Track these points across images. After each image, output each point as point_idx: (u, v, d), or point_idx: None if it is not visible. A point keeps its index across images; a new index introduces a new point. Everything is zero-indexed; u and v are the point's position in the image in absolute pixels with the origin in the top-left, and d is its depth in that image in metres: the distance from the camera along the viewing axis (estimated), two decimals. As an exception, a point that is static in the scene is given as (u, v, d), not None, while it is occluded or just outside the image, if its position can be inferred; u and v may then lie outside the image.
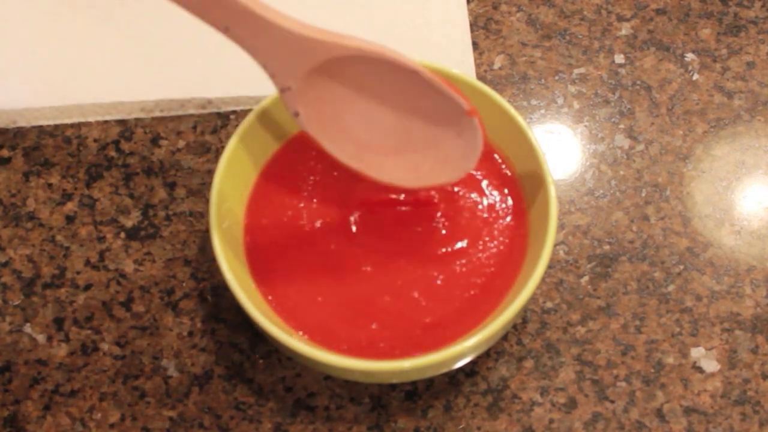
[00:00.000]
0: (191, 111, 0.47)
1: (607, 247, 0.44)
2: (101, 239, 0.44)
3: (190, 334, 0.42)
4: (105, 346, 0.41)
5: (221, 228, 0.38)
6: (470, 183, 0.41)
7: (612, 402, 0.40)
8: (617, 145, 0.46)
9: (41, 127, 0.46)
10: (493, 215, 0.40)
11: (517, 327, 0.42)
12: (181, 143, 0.46)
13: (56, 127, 0.46)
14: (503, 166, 0.41)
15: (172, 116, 0.47)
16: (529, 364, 0.41)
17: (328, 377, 0.41)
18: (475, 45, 0.49)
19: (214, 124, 0.46)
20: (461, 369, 0.41)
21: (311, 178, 0.41)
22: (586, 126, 0.47)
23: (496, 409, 0.40)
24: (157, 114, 0.47)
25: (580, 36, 0.49)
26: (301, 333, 0.38)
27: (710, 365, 0.41)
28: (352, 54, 0.35)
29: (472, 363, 0.41)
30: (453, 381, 0.41)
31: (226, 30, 0.34)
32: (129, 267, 0.43)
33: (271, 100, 0.40)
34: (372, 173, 0.39)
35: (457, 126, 0.37)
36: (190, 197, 0.45)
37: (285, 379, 0.41)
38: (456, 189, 0.41)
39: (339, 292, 0.39)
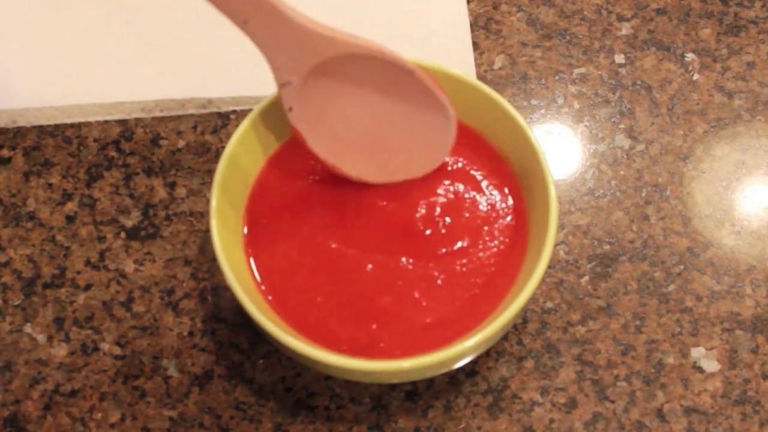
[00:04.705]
0: (191, 111, 0.47)
1: (607, 247, 0.44)
2: (101, 239, 0.44)
3: (190, 334, 0.42)
4: (105, 346, 0.41)
5: (221, 228, 0.38)
6: (470, 183, 0.41)
7: (612, 402, 0.40)
8: (617, 145, 0.46)
9: (41, 127, 0.46)
10: (494, 215, 0.40)
11: (518, 327, 0.42)
12: (181, 143, 0.46)
13: (56, 127, 0.46)
14: (503, 166, 0.41)
15: (172, 116, 0.47)
16: (529, 364, 0.41)
17: (328, 377, 0.41)
18: (475, 45, 0.49)
19: (214, 124, 0.46)
20: (461, 369, 0.41)
21: (311, 177, 0.41)
22: (586, 126, 0.47)
23: (496, 409, 0.40)
24: (157, 114, 0.47)
25: (580, 36, 0.49)
26: (301, 333, 0.38)
27: (710, 365, 0.41)
28: (357, 52, 0.37)
29: (473, 363, 0.41)
30: (453, 381, 0.41)
31: (244, 23, 0.36)
32: (129, 267, 0.43)
33: (271, 100, 0.40)
34: (343, 168, 0.40)
35: (434, 127, 0.40)
36: (190, 197, 0.45)
37: (285, 379, 0.41)
38: (457, 189, 0.41)
39: (339, 292, 0.39)
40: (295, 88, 0.37)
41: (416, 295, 0.39)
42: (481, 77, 0.48)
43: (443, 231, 0.40)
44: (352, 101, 0.39)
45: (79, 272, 0.43)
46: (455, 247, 0.40)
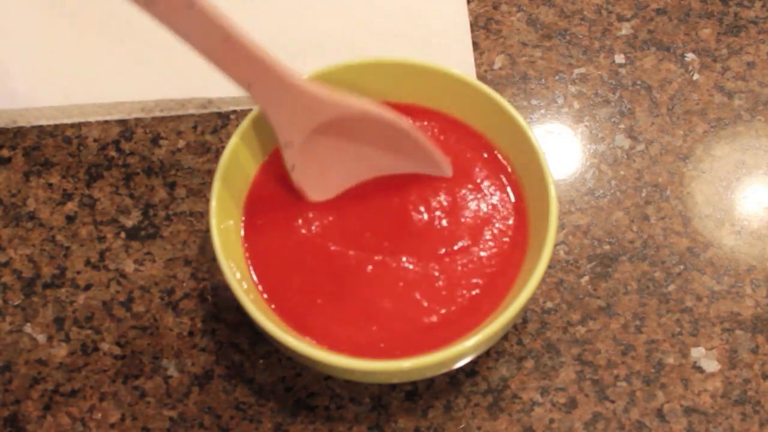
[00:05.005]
0: (191, 111, 0.47)
1: (607, 247, 0.44)
2: (101, 239, 0.44)
3: (190, 334, 0.42)
4: (105, 346, 0.41)
5: (221, 228, 0.38)
6: (471, 183, 0.41)
7: (612, 402, 0.40)
8: (617, 145, 0.46)
9: (41, 127, 0.46)
10: (494, 215, 0.40)
11: (518, 327, 0.42)
12: (181, 143, 0.46)
13: (56, 127, 0.46)
14: (503, 166, 0.41)
15: (172, 116, 0.47)
16: (529, 364, 0.41)
17: (328, 377, 0.41)
18: (475, 45, 0.49)
19: (214, 124, 0.46)
20: (461, 369, 0.41)
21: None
22: (586, 126, 0.47)
23: (496, 409, 0.40)
24: (157, 114, 0.47)
25: (580, 36, 0.49)
26: (301, 333, 0.38)
27: (710, 365, 0.41)
28: (356, 114, 0.38)
29: (473, 363, 0.41)
30: (453, 381, 0.41)
31: (248, 86, 0.37)
32: (129, 267, 0.43)
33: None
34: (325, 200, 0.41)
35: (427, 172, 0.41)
36: (190, 197, 0.45)
37: (285, 379, 0.41)
38: (457, 189, 0.41)
39: (339, 293, 0.39)
40: (296, 147, 0.39)
41: (416, 295, 0.39)
42: (481, 77, 0.48)
43: (443, 231, 0.40)
44: (351, 158, 0.40)
45: (79, 272, 0.43)
46: (455, 247, 0.39)
